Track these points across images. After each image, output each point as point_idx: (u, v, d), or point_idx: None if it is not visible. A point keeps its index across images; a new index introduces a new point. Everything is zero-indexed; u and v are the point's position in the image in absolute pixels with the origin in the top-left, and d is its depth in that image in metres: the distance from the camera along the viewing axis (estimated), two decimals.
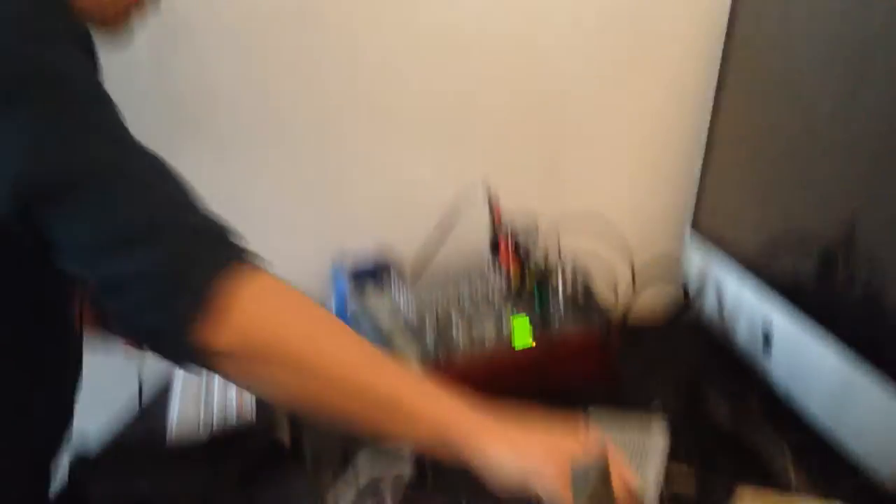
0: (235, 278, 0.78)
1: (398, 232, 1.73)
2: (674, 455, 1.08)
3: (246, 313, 0.77)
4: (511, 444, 0.84)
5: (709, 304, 1.55)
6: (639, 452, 1.02)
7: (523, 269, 1.43)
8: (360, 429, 0.82)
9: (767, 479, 1.11)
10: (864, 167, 1.16)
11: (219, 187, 1.67)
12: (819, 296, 1.23)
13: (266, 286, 0.80)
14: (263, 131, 1.67)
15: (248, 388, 0.85)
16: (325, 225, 1.73)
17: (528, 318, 1.34)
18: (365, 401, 0.81)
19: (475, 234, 1.64)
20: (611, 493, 0.80)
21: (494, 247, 1.56)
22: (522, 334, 1.30)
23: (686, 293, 1.60)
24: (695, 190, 1.64)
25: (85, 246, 0.77)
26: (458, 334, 1.31)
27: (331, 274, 1.71)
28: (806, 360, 1.22)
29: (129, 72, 1.57)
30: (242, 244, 0.83)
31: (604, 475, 0.80)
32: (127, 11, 1.00)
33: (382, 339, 1.32)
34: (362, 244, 1.72)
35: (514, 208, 1.56)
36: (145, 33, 1.39)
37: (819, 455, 1.16)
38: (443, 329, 1.30)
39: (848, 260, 1.18)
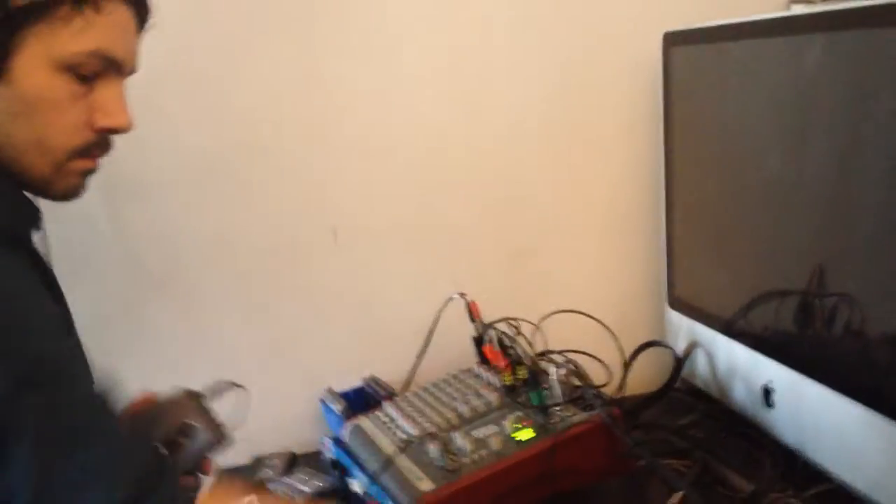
0: None
1: (382, 357, 1.72)
2: None
3: None
4: None
5: (701, 373, 1.55)
6: None
7: (512, 365, 1.42)
8: None
9: None
10: (822, 211, 1.18)
11: (189, 340, 1.67)
12: (805, 346, 1.25)
13: None
14: (229, 279, 1.67)
15: None
16: (306, 363, 1.71)
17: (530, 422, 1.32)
18: None
19: (458, 346, 1.63)
20: None
21: (479, 350, 1.56)
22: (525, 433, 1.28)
23: (676, 364, 1.59)
24: (665, 263, 1.66)
25: None
26: (462, 442, 1.28)
27: (321, 410, 1.68)
28: (810, 412, 1.21)
29: (85, 227, 1.56)
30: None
31: None
32: (81, 178, 0.96)
33: (384, 463, 1.29)
34: (347, 376, 1.70)
35: (493, 314, 1.55)
36: (99, 190, 1.38)
37: None
38: (444, 440, 1.28)
39: (824, 306, 1.19)
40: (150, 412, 1.11)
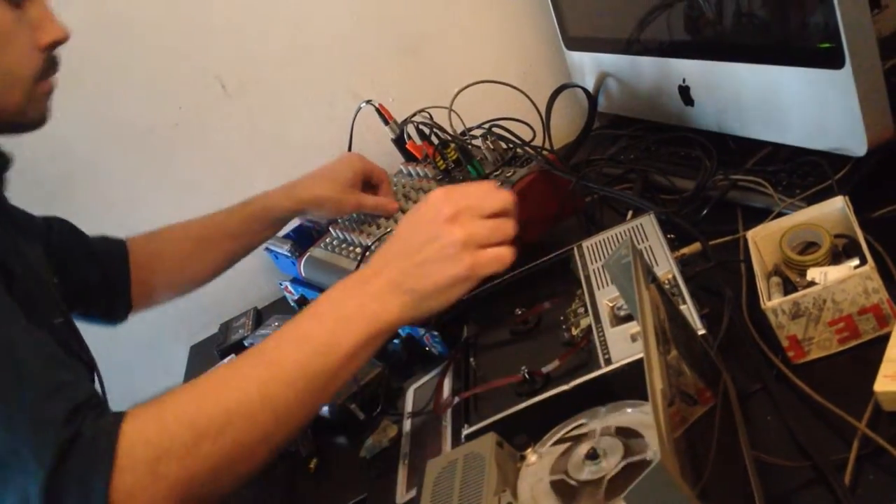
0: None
1: None
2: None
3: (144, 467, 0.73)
4: (412, 296, 0.86)
5: (617, 100, 1.58)
6: (645, 251, 1.04)
7: (439, 150, 1.42)
8: (323, 396, 0.84)
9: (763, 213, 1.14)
10: None
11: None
12: (706, 34, 1.27)
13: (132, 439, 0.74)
14: (138, 163, 1.61)
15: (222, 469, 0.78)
16: None
17: None
18: (298, 403, 0.81)
19: (381, 156, 1.62)
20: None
21: (403, 149, 1.55)
22: None
23: (591, 101, 1.62)
24: (552, 9, 1.65)
25: None
26: None
27: (270, 259, 1.67)
28: (728, 93, 1.25)
29: None
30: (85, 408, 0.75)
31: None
32: (46, 101, 0.97)
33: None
34: None
35: (403, 112, 1.54)
36: None
37: (787, 165, 1.21)
38: None
39: None
40: None
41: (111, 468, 0.71)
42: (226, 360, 1.38)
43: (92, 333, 1.63)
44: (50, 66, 0.96)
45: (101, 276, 1.30)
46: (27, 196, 1.55)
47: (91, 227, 1.61)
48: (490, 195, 0.91)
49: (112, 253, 1.33)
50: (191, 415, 0.76)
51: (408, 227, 0.92)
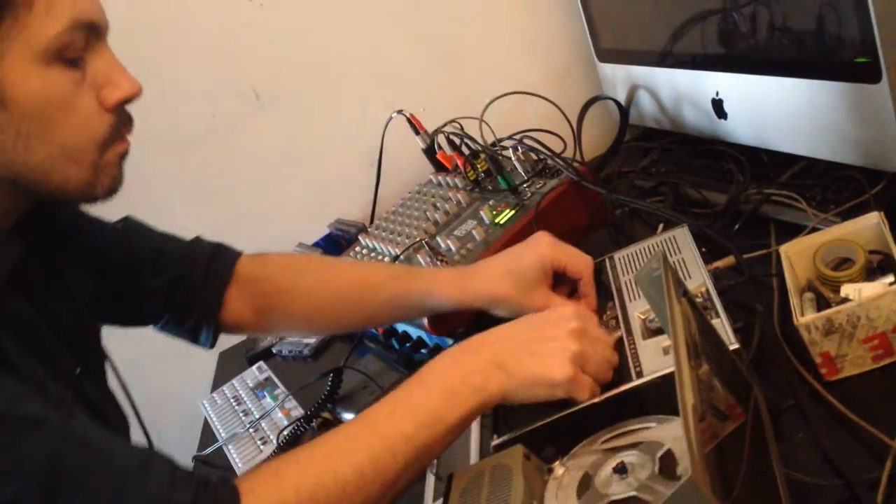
0: None
1: (341, 199, 1.73)
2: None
3: None
4: (509, 377, 0.84)
5: (649, 113, 1.57)
6: (678, 264, 1.03)
7: (469, 160, 1.42)
8: (422, 466, 0.83)
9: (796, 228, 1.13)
10: None
11: None
12: (741, 47, 1.26)
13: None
14: (172, 169, 1.63)
15: None
16: (270, 228, 1.71)
17: (504, 205, 1.34)
18: (402, 473, 0.80)
19: (411, 166, 1.64)
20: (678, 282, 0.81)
21: (433, 159, 1.56)
22: (505, 215, 1.30)
23: (622, 113, 1.61)
24: (584, 21, 1.65)
25: None
26: (447, 243, 1.30)
27: None
28: (762, 106, 1.24)
29: None
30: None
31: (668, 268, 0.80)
32: (119, 166, 0.85)
33: None
34: (313, 228, 1.70)
35: (435, 122, 1.54)
36: None
37: (822, 179, 1.19)
38: (430, 247, 1.29)
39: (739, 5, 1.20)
40: None
41: None
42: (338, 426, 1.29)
43: (121, 339, 1.66)
44: (122, 124, 0.84)
45: (185, 285, 1.13)
46: None
47: None
48: (609, 345, 0.90)
49: (215, 263, 1.15)
50: (310, 489, 0.77)
51: (531, 319, 0.91)
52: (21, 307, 0.82)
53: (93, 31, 0.79)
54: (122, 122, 0.83)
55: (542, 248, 1.06)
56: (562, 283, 1.07)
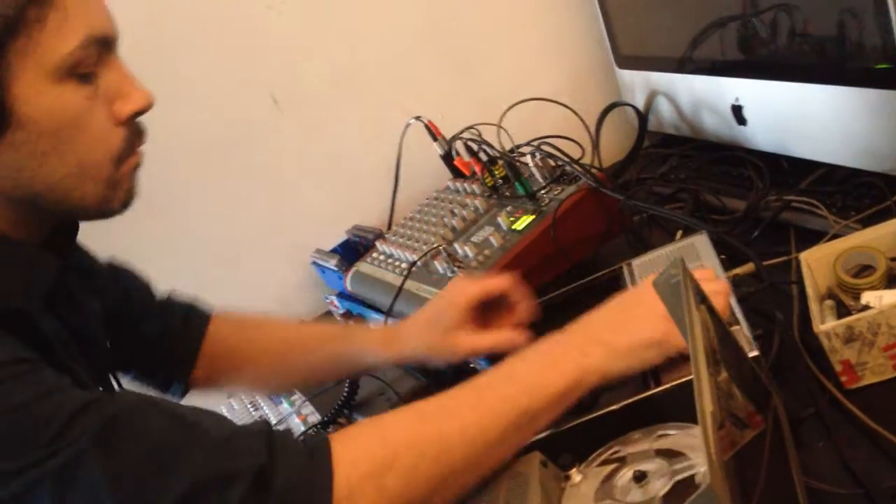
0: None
1: (358, 205, 1.73)
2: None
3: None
4: (607, 348, 0.85)
5: (668, 119, 1.57)
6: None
7: (487, 166, 1.42)
8: (527, 434, 0.83)
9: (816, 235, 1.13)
10: None
11: (167, 250, 1.66)
12: (761, 53, 1.25)
13: (352, 453, 0.75)
14: (189, 178, 1.64)
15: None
16: (288, 235, 1.71)
17: (522, 211, 1.34)
18: (505, 436, 0.80)
19: (429, 172, 1.64)
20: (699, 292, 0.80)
21: (450, 166, 1.56)
22: (523, 221, 1.30)
23: (641, 120, 1.61)
24: (603, 27, 1.64)
25: None
26: (464, 249, 1.30)
27: (316, 273, 1.69)
28: (782, 112, 1.23)
29: None
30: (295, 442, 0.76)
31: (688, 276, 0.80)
32: (133, 179, 0.85)
33: (396, 292, 1.30)
34: (331, 234, 1.70)
35: (453, 129, 1.54)
36: None
37: (842, 186, 1.19)
38: (447, 252, 1.29)
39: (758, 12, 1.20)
40: None
41: (331, 481, 0.72)
42: None
43: None
44: (134, 137, 0.83)
45: (163, 340, 1.14)
46: None
47: (142, 238, 1.65)
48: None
49: (190, 323, 1.18)
50: (413, 436, 0.78)
51: (622, 296, 0.92)
52: (54, 323, 0.82)
53: (105, 45, 0.78)
54: (134, 134, 0.82)
55: (456, 289, 1.11)
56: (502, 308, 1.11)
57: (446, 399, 0.83)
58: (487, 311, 1.10)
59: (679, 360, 0.86)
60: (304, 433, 0.75)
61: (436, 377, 1.23)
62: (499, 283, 1.10)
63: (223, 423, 0.75)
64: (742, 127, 1.34)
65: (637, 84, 1.61)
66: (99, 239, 1.61)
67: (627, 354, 0.85)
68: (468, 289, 1.09)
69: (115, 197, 0.81)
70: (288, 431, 0.77)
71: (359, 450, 0.76)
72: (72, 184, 0.77)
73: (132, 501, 0.68)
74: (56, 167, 0.76)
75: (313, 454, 0.74)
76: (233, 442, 0.72)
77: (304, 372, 1.21)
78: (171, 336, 1.14)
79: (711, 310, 0.74)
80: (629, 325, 0.86)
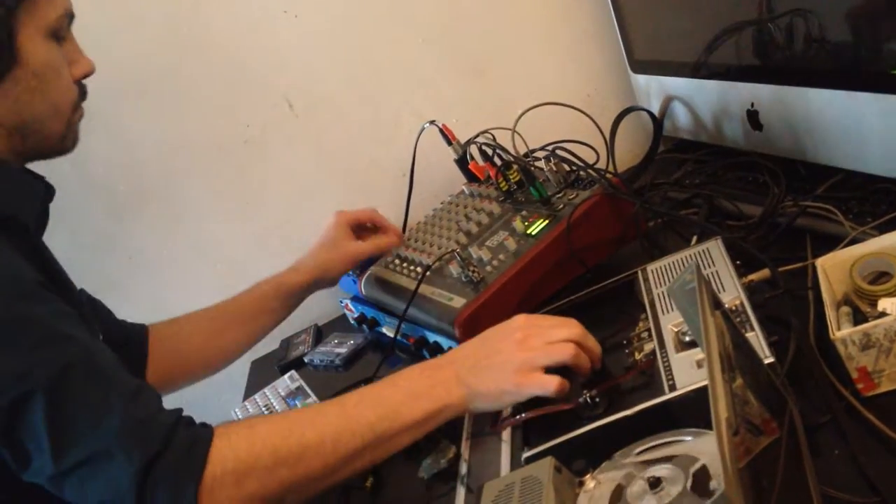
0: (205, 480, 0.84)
1: (377, 206, 1.73)
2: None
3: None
4: (468, 390, 0.96)
5: (683, 124, 1.57)
6: (712, 277, 1.03)
7: (502, 171, 1.42)
8: (382, 453, 0.95)
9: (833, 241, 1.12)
10: None
11: (182, 252, 1.67)
12: (777, 58, 1.25)
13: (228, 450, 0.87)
14: (203, 181, 1.65)
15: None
16: (302, 237, 1.70)
17: (537, 216, 1.33)
18: (360, 452, 0.92)
19: (443, 176, 1.64)
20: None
21: (465, 170, 1.56)
22: (537, 226, 1.30)
23: (656, 125, 1.60)
24: (618, 32, 1.64)
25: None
26: (479, 253, 1.30)
27: None
28: (798, 117, 1.23)
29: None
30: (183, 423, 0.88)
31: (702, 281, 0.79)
32: (77, 127, 1.06)
33: (410, 296, 1.30)
34: None
35: (467, 134, 1.54)
36: None
37: (859, 192, 1.18)
38: (462, 257, 1.29)
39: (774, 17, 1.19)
40: None
41: (202, 472, 0.84)
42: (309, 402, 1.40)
43: None
44: (82, 95, 1.06)
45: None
46: (99, 210, 1.61)
47: (157, 240, 1.66)
48: (563, 325, 0.98)
49: (131, 338, 1.34)
50: (276, 443, 0.89)
51: (487, 335, 1.02)
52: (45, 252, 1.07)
53: (71, 19, 1.02)
54: (82, 93, 1.06)
55: (332, 218, 1.48)
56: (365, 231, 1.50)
57: (314, 411, 0.98)
58: (363, 233, 1.49)
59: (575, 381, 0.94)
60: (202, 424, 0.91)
61: None
62: (366, 211, 1.50)
63: (147, 401, 0.88)
64: (758, 132, 1.33)
65: (652, 89, 1.61)
66: (116, 241, 1.63)
67: (484, 398, 0.96)
68: (341, 214, 1.48)
69: (68, 136, 1.04)
70: (188, 420, 0.90)
71: (230, 447, 0.87)
72: (47, 116, 1.00)
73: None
74: (39, 102, 0.98)
75: (193, 445, 0.86)
76: (145, 424, 0.85)
77: (244, 329, 1.42)
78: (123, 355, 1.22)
79: (727, 316, 0.74)
80: (489, 374, 0.96)
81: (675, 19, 1.47)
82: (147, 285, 1.66)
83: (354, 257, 1.45)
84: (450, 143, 1.54)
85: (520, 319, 1.01)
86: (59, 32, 0.99)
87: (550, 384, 0.92)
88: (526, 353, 0.95)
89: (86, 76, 1.05)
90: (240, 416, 1.48)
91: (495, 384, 0.95)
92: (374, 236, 1.49)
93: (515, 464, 0.95)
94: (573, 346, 0.95)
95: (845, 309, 0.91)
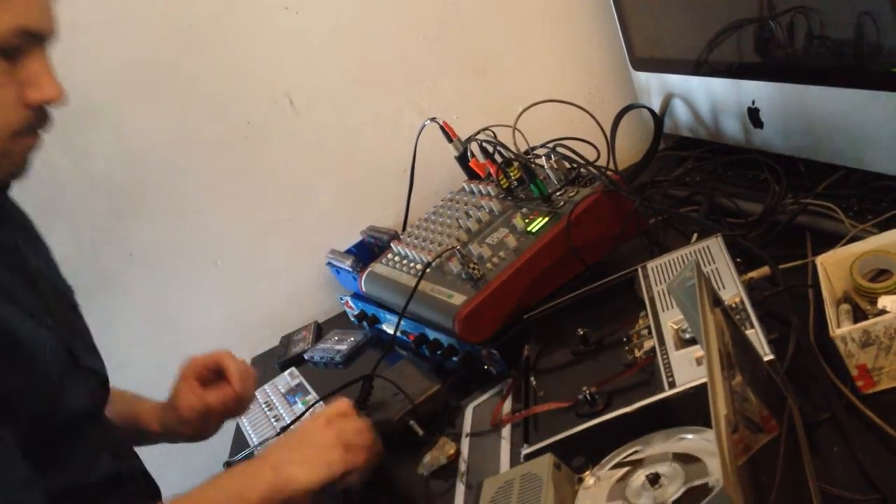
0: None
1: (373, 207, 1.74)
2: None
3: None
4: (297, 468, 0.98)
5: (684, 122, 1.56)
6: (712, 274, 1.03)
7: (502, 168, 1.42)
8: None
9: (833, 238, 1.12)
10: None
11: (182, 249, 1.67)
12: (778, 56, 1.25)
13: None
14: (204, 178, 1.65)
15: None
16: (303, 235, 1.72)
17: (537, 213, 1.33)
18: None
19: (444, 173, 1.64)
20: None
21: (465, 167, 1.56)
22: (537, 223, 1.30)
23: (657, 122, 1.60)
24: (619, 30, 1.64)
25: None
26: (479, 250, 1.30)
27: (331, 274, 1.69)
28: (799, 115, 1.23)
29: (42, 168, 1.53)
30: None
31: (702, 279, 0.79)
32: (24, 158, 0.93)
33: (410, 293, 1.30)
34: (345, 235, 1.71)
35: (468, 131, 1.54)
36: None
37: (859, 190, 1.18)
38: (462, 254, 1.29)
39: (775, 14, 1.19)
40: None
41: None
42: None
43: (152, 346, 1.68)
44: (38, 122, 0.92)
45: None
46: (99, 206, 1.61)
47: (158, 237, 1.66)
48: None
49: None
50: None
51: (294, 431, 1.10)
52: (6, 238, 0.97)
53: (35, 38, 0.88)
54: (39, 120, 0.91)
55: (181, 370, 1.24)
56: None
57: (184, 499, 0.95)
58: (215, 380, 1.24)
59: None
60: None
61: (448, 378, 1.23)
62: (220, 356, 1.24)
63: None
64: (758, 130, 1.33)
65: (653, 86, 1.61)
66: (116, 237, 1.63)
67: (302, 483, 0.97)
68: (188, 366, 1.24)
69: (1, 165, 0.91)
70: None
71: None
72: None
73: None
74: None
75: None
76: None
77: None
78: None
79: (727, 313, 0.74)
80: (295, 466, 0.98)
81: (677, 17, 1.47)
82: (147, 282, 1.65)
83: (194, 409, 1.21)
84: (450, 141, 1.54)
85: (319, 422, 1.04)
86: (4, 46, 0.85)
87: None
88: (337, 429, 1.01)
89: (45, 102, 0.90)
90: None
91: (316, 474, 0.98)
92: (217, 389, 1.23)
93: (515, 461, 0.95)
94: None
95: (845, 306, 0.91)
